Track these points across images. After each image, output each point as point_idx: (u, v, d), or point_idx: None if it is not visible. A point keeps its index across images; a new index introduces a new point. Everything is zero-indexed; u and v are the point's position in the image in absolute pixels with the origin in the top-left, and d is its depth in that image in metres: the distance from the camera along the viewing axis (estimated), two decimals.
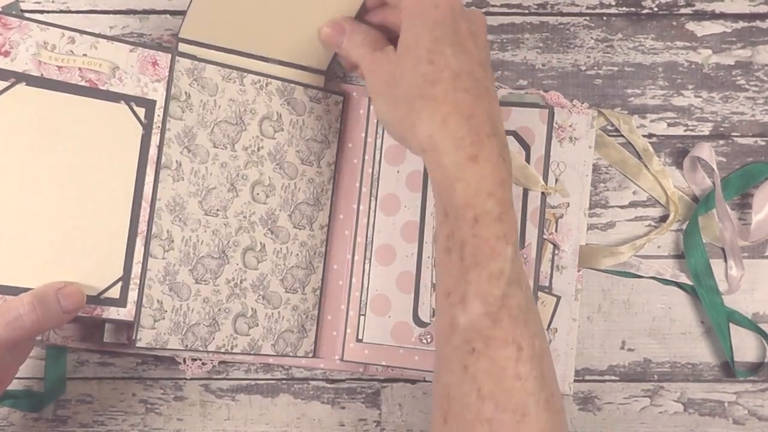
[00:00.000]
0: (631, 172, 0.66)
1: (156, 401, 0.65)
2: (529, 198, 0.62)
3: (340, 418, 0.66)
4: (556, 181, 0.65)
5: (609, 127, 0.66)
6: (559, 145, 0.65)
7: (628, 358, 0.66)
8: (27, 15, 0.65)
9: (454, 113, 0.48)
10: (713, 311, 0.65)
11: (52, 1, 0.66)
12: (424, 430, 0.66)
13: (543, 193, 0.62)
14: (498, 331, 0.46)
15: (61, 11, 0.66)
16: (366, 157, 0.65)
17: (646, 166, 0.66)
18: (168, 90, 0.58)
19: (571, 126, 0.65)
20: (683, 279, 0.66)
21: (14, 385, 0.64)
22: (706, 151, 0.65)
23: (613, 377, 0.66)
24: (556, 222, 0.64)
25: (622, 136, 0.66)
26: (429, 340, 0.62)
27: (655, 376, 0.66)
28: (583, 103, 0.66)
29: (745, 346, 0.66)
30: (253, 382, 0.66)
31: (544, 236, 0.63)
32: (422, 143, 0.49)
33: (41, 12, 0.65)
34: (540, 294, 0.63)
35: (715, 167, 0.65)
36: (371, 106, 0.65)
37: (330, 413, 0.66)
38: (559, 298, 0.64)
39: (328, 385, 0.66)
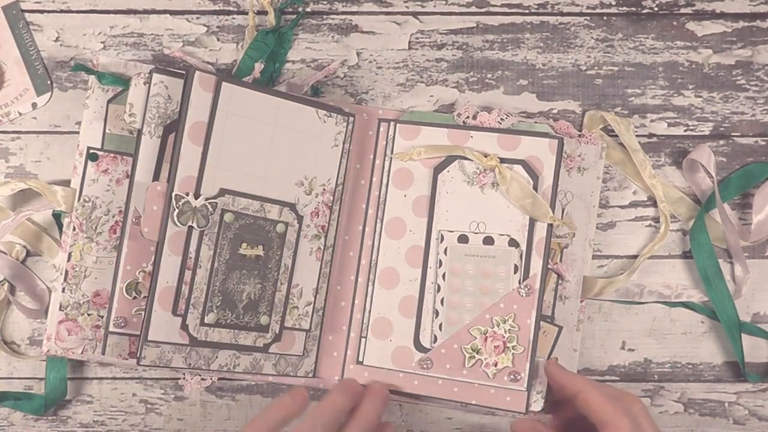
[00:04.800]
0: (632, 173, 0.66)
1: (156, 401, 0.65)
2: (535, 228, 0.62)
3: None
4: (563, 210, 0.64)
5: (609, 127, 0.66)
6: (567, 174, 0.65)
7: (629, 358, 0.66)
8: (27, 14, 0.65)
9: None
10: (725, 315, 0.65)
11: (53, 1, 0.66)
12: (424, 430, 0.66)
13: (550, 224, 0.62)
14: None
15: (62, 11, 0.66)
16: (374, 179, 0.65)
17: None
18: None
19: (579, 156, 0.65)
20: (685, 297, 0.66)
21: (15, 386, 0.65)
22: (705, 155, 0.65)
23: (613, 377, 0.66)
24: (561, 252, 0.64)
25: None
26: (429, 365, 0.62)
27: (656, 376, 0.66)
28: (591, 132, 0.66)
29: (753, 346, 0.66)
30: (253, 383, 0.66)
31: (549, 266, 0.63)
32: None
33: (41, 12, 0.65)
34: (542, 324, 0.63)
35: (713, 172, 0.64)
36: (380, 128, 0.65)
37: None
38: (560, 328, 0.64)
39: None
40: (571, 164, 0.65)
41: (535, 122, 0.66)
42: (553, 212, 0.62)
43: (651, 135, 0.67)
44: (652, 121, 0.67)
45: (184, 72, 0.59)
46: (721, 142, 0.67)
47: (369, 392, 0.61)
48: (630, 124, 0.65)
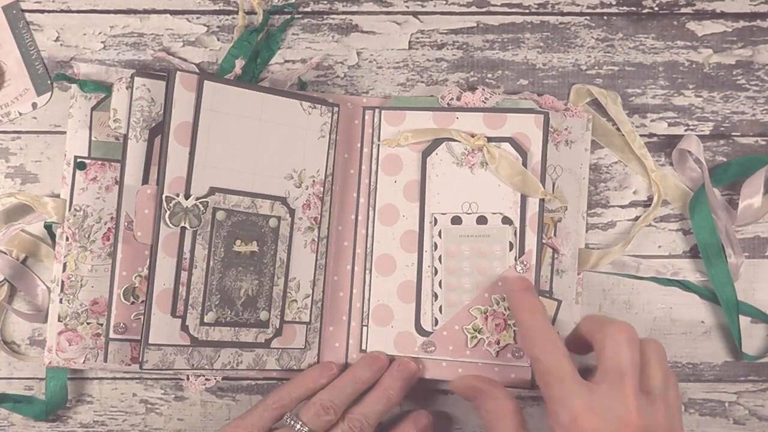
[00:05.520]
0: (617, 148, 0.66)
1: (156, 401, 0.65)
2: (527, 204, 0.62)
3: None
4: (554, 185, 0.65)
5: (605, 121, 0.66)
6: (555, 148, 0.65)
7: None
8: (27, 14, 0.65)
9: None
10: (723, 294, 0.65)
11: (53, 1, 0.66)
12: None
13: (541, 200, 0.62)
14: None
15: (62, 11, 0.66)
16: (362, 167, 0.65)
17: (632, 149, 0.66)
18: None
19: (566, 129, 0.65)
20: (682, 276, 0.66)
21: (15, 386, 0.65)
22: (693, 144, 0.65)
23: None
24: (555, 226, 0.64)
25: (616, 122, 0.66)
26: (432, 348, 0.62)
27: None
28: (576, 106, 0.66)
29: (747, 335, 0.66)
30: (253, 382, 0.66)
31: (543, 241, 0.63)
32: None
33: (41, 12, 0.65)
34: (541, 299, 0.63)
35: (702, 159, 0.64)
36: (365, 116, 0.65)
37: None
38: (559, 302, 0.64)
39: None
40: (558, 138, 0.65)
41: (520, 98, 0.66)
42: (544, 187, 0.62)
43: (651, 135, 0.67)
44: (652, 121, 0.67)
45: (165, 74, 0.59)
46: (722, 142, 0.67)
47: (394, 366, 0.61)
48: (617, 97, 0.65)
